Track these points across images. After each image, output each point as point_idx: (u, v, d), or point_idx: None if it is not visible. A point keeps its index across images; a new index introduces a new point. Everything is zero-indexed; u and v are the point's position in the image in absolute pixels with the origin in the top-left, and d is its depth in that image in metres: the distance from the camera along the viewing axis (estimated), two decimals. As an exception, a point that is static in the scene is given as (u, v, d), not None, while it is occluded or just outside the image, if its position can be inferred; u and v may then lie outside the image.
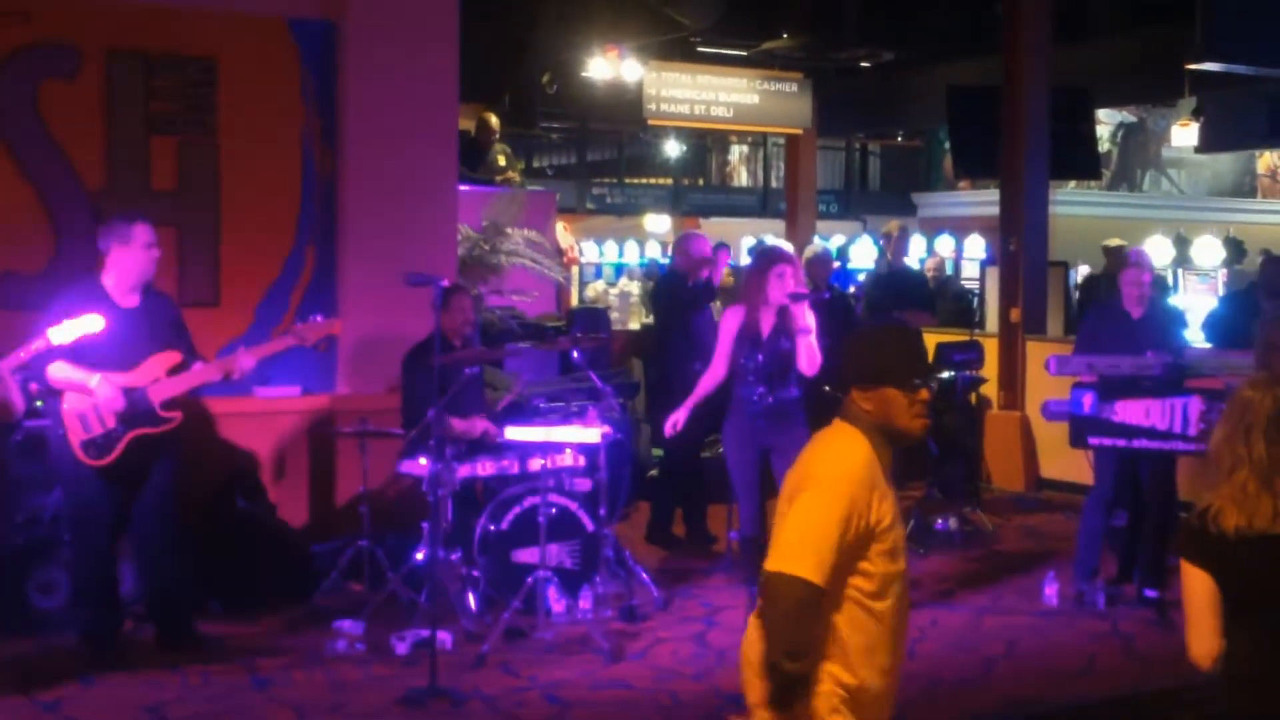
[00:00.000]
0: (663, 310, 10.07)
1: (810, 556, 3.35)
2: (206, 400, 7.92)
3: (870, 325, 3.75)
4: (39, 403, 6.95)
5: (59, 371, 6.47)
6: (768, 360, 7.28)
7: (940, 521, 9.66)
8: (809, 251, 10.65)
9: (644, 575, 7.91)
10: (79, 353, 6.44)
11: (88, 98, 8.06)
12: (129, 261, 6.67)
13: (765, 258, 7.51)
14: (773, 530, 3.66)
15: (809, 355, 7.25)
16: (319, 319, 7.12)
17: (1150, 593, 7.67)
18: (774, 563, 3.37)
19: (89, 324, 6.06)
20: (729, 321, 7.45)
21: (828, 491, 3.42)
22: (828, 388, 3.72)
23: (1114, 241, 15.48)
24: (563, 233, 15.76)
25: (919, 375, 3.58)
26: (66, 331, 5.98)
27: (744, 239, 23.26)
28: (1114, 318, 8.02)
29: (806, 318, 7.27)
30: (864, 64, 16.03)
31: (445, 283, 7.10)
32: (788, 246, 8.91)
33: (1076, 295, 14.77)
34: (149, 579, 6.95)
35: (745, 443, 7.35)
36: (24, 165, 7.91)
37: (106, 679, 6.47)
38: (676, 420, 7.60)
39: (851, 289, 11.49)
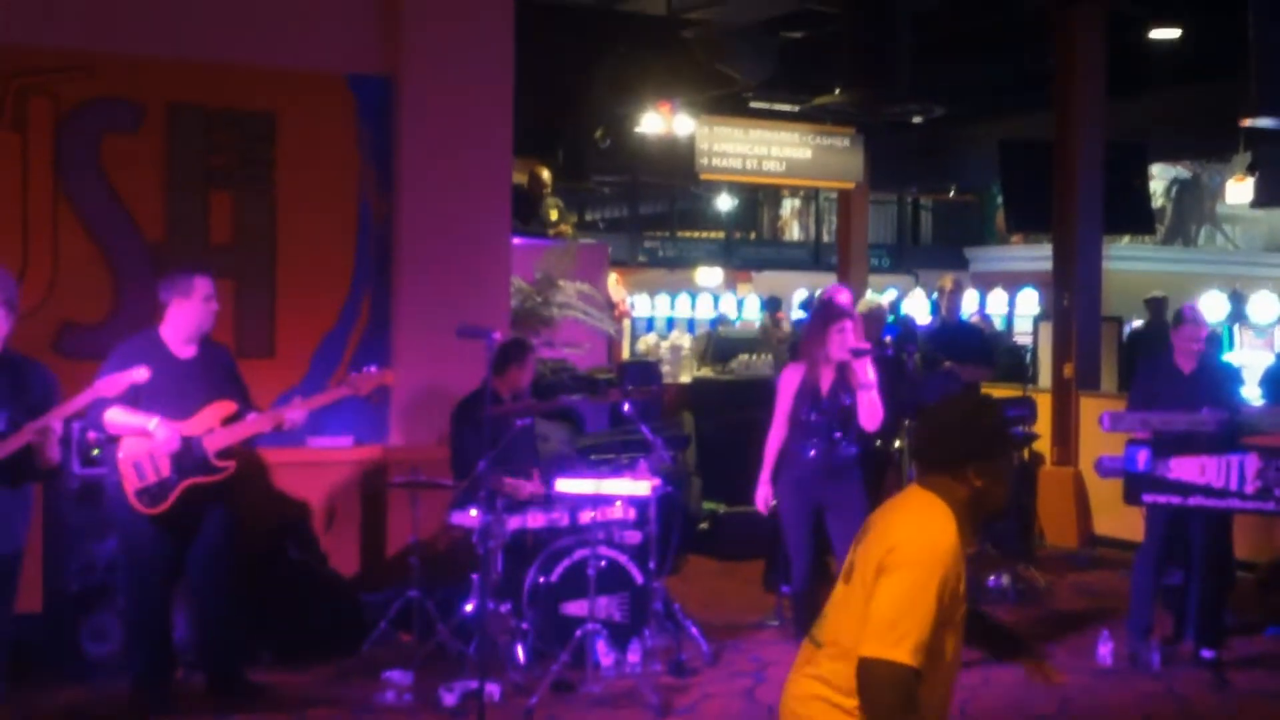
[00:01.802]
0: None
1: (909, 640, 3.30)
2: (259, 450, 7.98)
3: (974, 401, 3.69)
4: (96, 451, 7.06)
5: (116, 417, 6.56)
6: (828, 417, 7.25)
7: (993, 578, 9.57)
8: (863, 306, 10.62)
9: (693, 629, 7.89)
10: (136, 402, 6.54)
11: (149, 151, 8.18)
12: (188, 313, 6.78)
13: (825, 312, 7.45)
14: (835, 595, 3.64)
15: (870, 410, 7.21)
16: (373, 370, 7.18)
17: (1206, 653, 7.57)
18: (872, 648, 3.32)
19: (135, 375, 6.18)
20: (789, 378, 7.41)
21: (922, 571, 3.37)
22: (929, 461, 3.66)
23: (1156, 294, 15.39)
24: (614, 285, 15.81)
25: (1014, 453, 3.60)
26: (114, 383, 6.10)
27: (795, 293, 23.28)
28: (1166, 374, 7.95)
29: (867, 373, 7.23)
30: (916, 119, 16.03)
31: (497, 335, 7.15)
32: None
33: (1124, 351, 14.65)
34: (201, 627, 7.00)
35: (800, 499, 7.31)
36: (86, 217, 8.02)
37: (158, 727, 6.52)
38: (766, 497, 7.51)
39: (888, 339, 11.37)
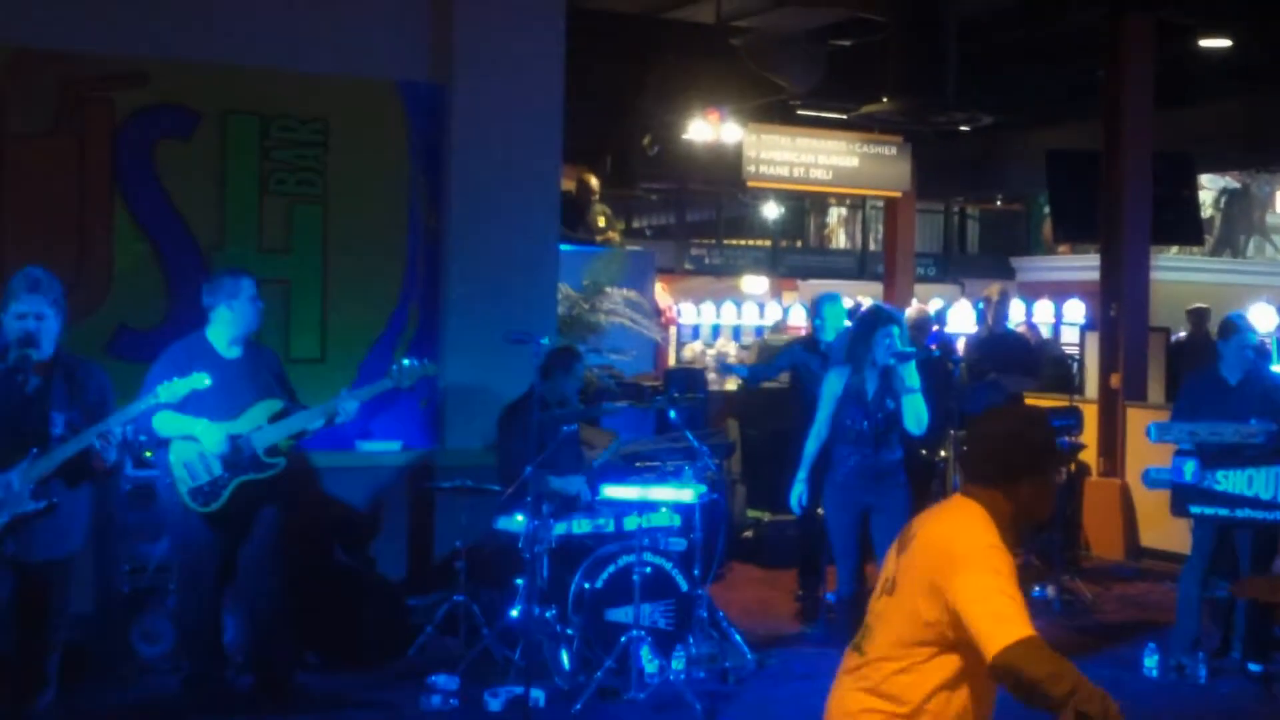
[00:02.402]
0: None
1: (1017, 618, 3.31)
2: (309, 453, 8.05)
3: (1011, 408, 3.73)
4: (148, 453, 7.14)
5: (165, 421, 6.63)
6: (873, 420, 7.28)
7: (1038, 589, 9.55)
8: (909, 314, 10.64)
9: (737, 637, 7.90)
10: (185, 403, 6.61)
11: (203, 158, 8.27)
12: (235, 315, 6.84)
13: (871, 318, 7.51)
14: (878, 607, 3.65)
15: (916, 414, 7.25)
16: (416, 362, 7.21)
17: (1254, 666, 7.53)
18: (997, 642, 3.29)
19: (197, 381, 6.21)
20: (833, 382, 7.46)
21: (990, 560, 3.42)
22: (976, 475, 3.70)
23: (1198, 305, 15.30)
24: (661, 293, 15.84)
25: (1060, 468, 3.63)
26: (176, 389, 6.12)
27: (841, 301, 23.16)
28: (1212, 385, 7.91)
29: (912, 377, 7.27)
30: (963, 127, 16.02)
31: (545, 341, 7.21)
32: None
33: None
34: (250, 629, 7.06)
35: (845, 503, 7.36)
36: (141, 223, 8.12)
37: (207, 727, 6.59)
38: (801, 496, 7.59)
39: (935, 346, 11.44)
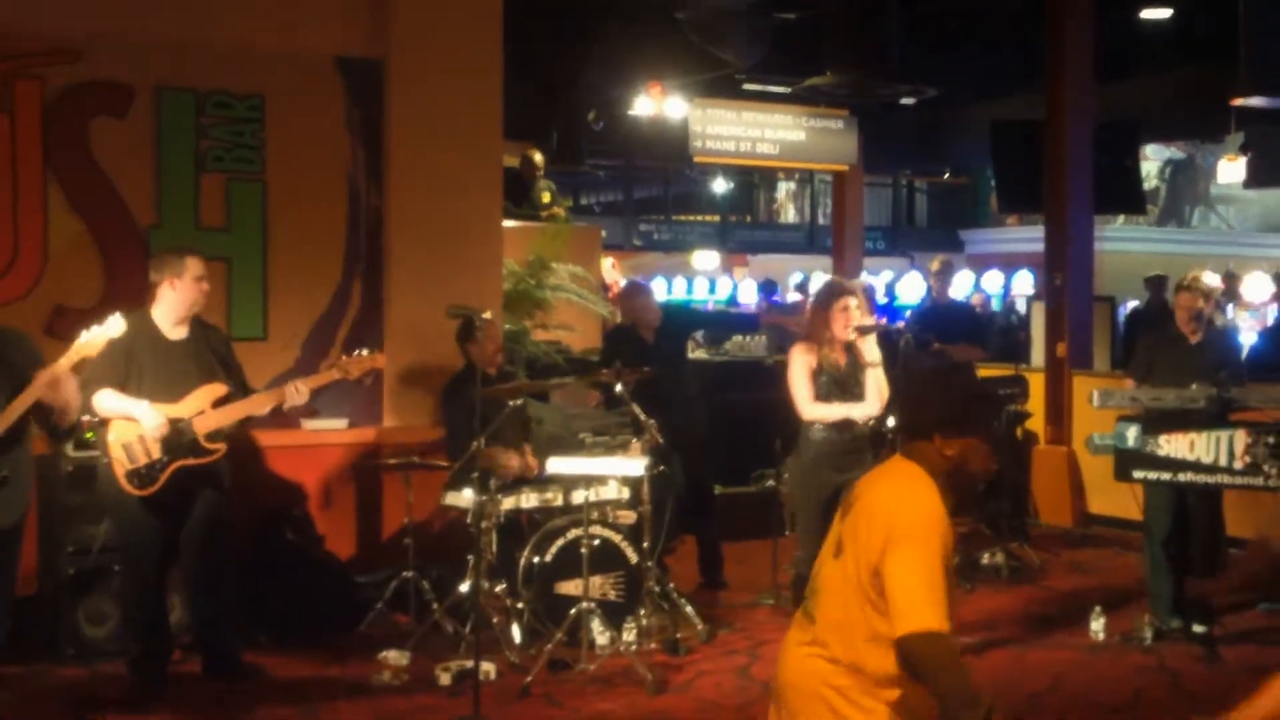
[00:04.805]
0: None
1: (937, 608, 3.40)
2: (254, 433, 7.99)
3: (945, 370, 3.87)
4: (89, 434, 7.06)
5: (106, 401, 6.57)
6: (845, 396, 7.22)
7: (986, 557, 9.60)
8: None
9: (688, 608, 7.91)
10: (126, 382, 6.55)
11: (138, 135, 8.16)
12: (179, 294, 6.77)
13: (828, 292, 7.43)
14: (826, 571, 3.66)
15: (877, 388, 7.22)
16: (363, 353, 7.18)
17: (1198, 628, 7.59)
18: (908, 624, 3.39)
19: (111, 328, 6.04)
20: (800, 359, 7.34)
21: (924, 540, 3.46)
22: (905, 430, 3.75)
23: (1156, 273, 15.44)
24: (610, 269, 15.78)
25: (994, 422, 3.66)
26: (91, 341, 5.99)
27: (791, 275, 23.32)
28: (1171, 344, 7.94)
29: (872, 351, 7.23)
30: (907, 100, 16.04)
31: (487, 314, 7.19)
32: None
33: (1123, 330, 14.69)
34: (196, 609, 7.02)
35: (816, 484, 7.24)
36: (76, 201, 8.01)
37: (154, 708, 6.53)
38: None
39: (899, 324, 11.51)
